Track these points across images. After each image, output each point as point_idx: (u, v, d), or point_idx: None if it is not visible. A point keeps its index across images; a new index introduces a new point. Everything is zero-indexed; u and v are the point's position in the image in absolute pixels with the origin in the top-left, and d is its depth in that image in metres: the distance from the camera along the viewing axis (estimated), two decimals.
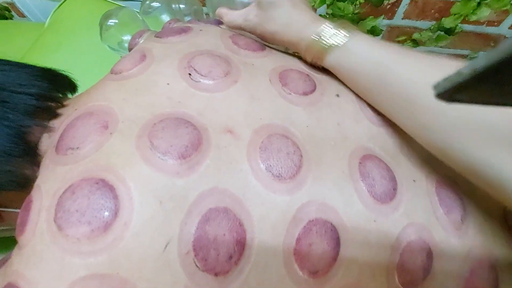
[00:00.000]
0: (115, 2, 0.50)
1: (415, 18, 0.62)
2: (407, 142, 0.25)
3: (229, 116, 0.21)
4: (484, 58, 0.07)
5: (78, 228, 0.15)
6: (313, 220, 0.19)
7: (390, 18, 0.63)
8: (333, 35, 0.25)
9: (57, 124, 0.22)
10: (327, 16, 0.63)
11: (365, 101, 0.26)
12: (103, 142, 0.18)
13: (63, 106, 0.23)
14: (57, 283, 0.15)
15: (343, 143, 0.23)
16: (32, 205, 0.17)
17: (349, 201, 0.20)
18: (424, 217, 0.21)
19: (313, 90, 0.25)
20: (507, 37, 0.63)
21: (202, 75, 0.23)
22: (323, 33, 0.25)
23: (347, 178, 0.21)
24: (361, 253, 0.20)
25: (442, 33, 0.65)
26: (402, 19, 0.63)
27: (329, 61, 0.26)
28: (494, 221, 0.23)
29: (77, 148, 0.18)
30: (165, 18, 0.43)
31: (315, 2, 0.61)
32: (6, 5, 0.71)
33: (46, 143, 0.22)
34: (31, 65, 0.25)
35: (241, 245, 0.17)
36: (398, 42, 0.69)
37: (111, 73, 0.24)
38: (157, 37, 0.27)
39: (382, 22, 0.64)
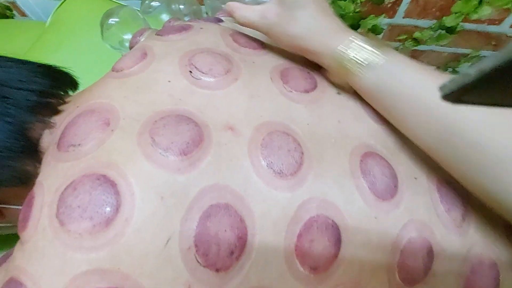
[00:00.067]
0: (116, 1, 0.50)
1: (416, 16, 0.62)
2: (408, 140, 0.25)
3: (230, 113, 0.21)
4: (491, 59, 0.07)
5: (80, 224, 0.16)
6: (314, 217, 0.19)
7: (391, 16, 0.63)
8: (363, 50, 0.22)
9: (59, 121, 0.22)
10: None
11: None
12: (105, 139, 0.18)
13: (64, 102, 0.24)
14: (59, 278, 0.15)
15: (344, 140, 0.23)
16: (34, 201, 0.18)
17: (350, 198, 0.20)
18: (425, 214, 0.21)
19: (314, 88, 0.25)
20: (508, 36, 0.63)
21: (203, 73, 0.23)
22: (352, 47, 0.22)
23: (348, 175, 0.21)
24: (362, 249, 0.20)
25: (443, 31, 0.65)
26: (403, 17, 0.63)
27: (360, 81, 0.23)
28: (495, 219, 0.23)
29: (79, 145, 0.18)
30: (165, 17, 0.43)
31: None
32: (8, 4, 0.71)
33: (48, 139, 0.22)
34: (33, 62, 0.25)
35: (242, 241, 0.17)
36: (399, 41, 0.68)
37: (113, 71, 0.24)
38: (158, 35, 0.27)
39: (383, 21, 0.64)
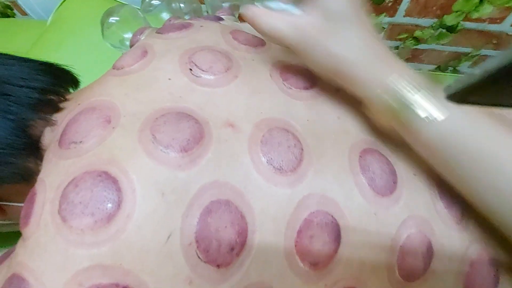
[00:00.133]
0: (116, 0, 0.51)
1: (417, 15, 0.62)
2: None
3: (230, 110, 0.21)
4: (496, 59, 0.07)
5: (81, 220, 0.16)
6: (314, 213, 0.19)
7: (392, 15, 0.63)
8: (421, 94, 0.18)
9: (60, 118, 0.22)
10: None
11: None
12: (106, 136, 0.18)
13: (65, 100, 0.24)
14: (61, 273, 0.15)
15: (343, 137, 0.23)
16: (36, 198, 0.18)
17: (350, 194, 0.20)
18: (424, 210, 0.22)
19: (314, 85, 0.25)
20: (509, 34, 0.63)
21: (203, 71, 0.23)
22: (406, 87, 0.18)
23: (347, 172, 0.21)
24: (362, 245, 0.20)
25: (444, 30, 0.65)
26: (404, 16, 0.63)
27: (414, 132, 0.19)
28: None
29: (80, 142, 0.19)
30: (165, 16, 0.43)
31: None
32: (9, 3, 0.71)
33: (49, 137, 0.22)
34: (34, 60, 0.25)
35: (242, 237, 0.18)
36: (400, 40, 0.68)
37: (113, 69, 0.24)
38: (158, 33, 0.27)
39: (383, 19, 0.64)
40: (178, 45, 0.25)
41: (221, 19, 0.35)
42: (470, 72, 0.08)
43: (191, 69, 0.23)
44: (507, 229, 0.19)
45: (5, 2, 0.71)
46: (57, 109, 0.23)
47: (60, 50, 0.46)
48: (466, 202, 0.23)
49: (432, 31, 0.65)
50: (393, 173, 0.22)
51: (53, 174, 0.18)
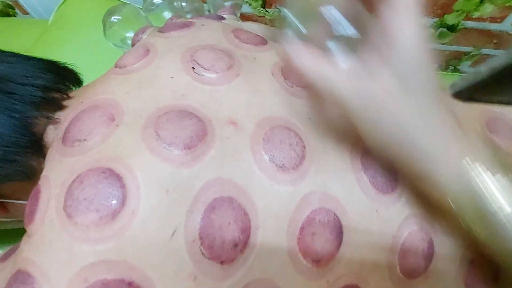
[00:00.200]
0: None
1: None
2: None
3: (232, 108, 0.22)
4: (501, 58, 0.07)
5: (86, 216, 0.16)
6: (316, 210, 0.19)
7: None
8: (495, 186, 0.15)
9: (63, 116, 0.22)
10: None
11: None
12: (110, 133, 0.18)
13: (68, 98, 0.24)
14: (66, 269, 0.15)
15: (345, 135, 0.23)
16: (40, 195, 0.18)
17: (351, 192, 0.20)
18: (425, 207, 0.22)
19: None
20: (510, 34, 0.63)
21: (205, 69, 0.23)
22: (483, 178, 0.15)
23: (349, 169, 0.21)
24: (363, 243, 0.20)
25: (445, 30, 0.65)
26: None
27: (483, 222, 0.16)
28: None
29: (84, 140, 0.19)
30: (167, 15, 0.43)
31: None
32: (10, 3, 0.72)
33: (52, 134, 0.22)
34: (37, 58, 0.25)
35: (246, 234, 0.18)
36: None
37: (116, 67, 0.24)
38: (160, 32, 0.28)
39: None
40: (180, 43, 0.25)
41: (223, 18, 0.35)
42: (476, 70, 0.08)
43: (193, 68, 0.23)
44: None
45: (7, 1, 0.71)
46: (60, 107, 0.23)
47: (62, 49, 0.46)
48: None
49: (433, 30, 0.65)
50: (394, 171, 0.22)
51: (57, 171, 0.18)
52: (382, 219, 0.21)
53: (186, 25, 0.27)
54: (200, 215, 0.17)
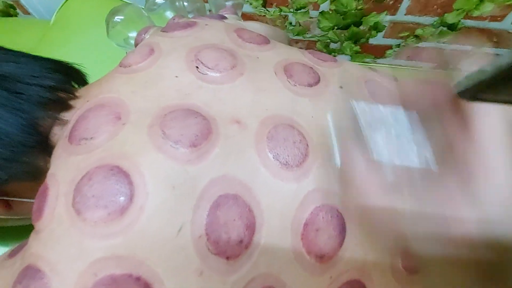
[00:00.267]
0: None
1: (418, 14, 0.62)
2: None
3: (236, 107, 0.22)
4: (507, 56, 0.07)
5: (95, 212, 0.16)
6: (319, 207, 0.19)
7: (393, 14, 0.63)
8: None
9: (69, 116, 0.23)
10: (330, 12, 0.64)
11: (368, 91, 0.26)
12: (117, 132, 0.19)
13: (75, 97, 0.24)
14: (76, 264, 0.16)
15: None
16: (48, 192, 0.18)
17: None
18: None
19: (317, 82, 0.25)
20: (510, 32, 0.63)
21: (209, 68, 0.23)
22: None
23: None
24: (366, 238, 0.20)
25: (445, 28, 0.65)
26: (405, 15, 0.63)
27: None
28: None
29: (91, 138, 0.19)
30: (169, 15, 0.43)
31: None
32: (11, 3, 0.72)
33: (58, 134, 0.23)
34: (45, 58, 0.25)
35: (251, 230, 0.18)
36: (401, 38, 0.69)
37: (120, 66, 0.24)
38: (163, 31, 0.28)
39: (385, 18, 0.64)
40: (184, 43, 0.25)
41: (225, 17, 0.35)
42: (481, 69, 0.07)
43: (197, 67, 0.23)
44: None
45: (8, 2, 0.72)
46: (67, 107, 0.23)
47: (64, 48, 0.46)
48: None
49: (433, 29, 0.65)
50: None
51: (65, 169, 0.19)
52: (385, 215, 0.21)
53: (190, 25, 0.27)
54: (206, 212, 0.17)
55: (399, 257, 0.21)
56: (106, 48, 0.45)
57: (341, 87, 0.26)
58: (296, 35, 0.72)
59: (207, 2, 0.49)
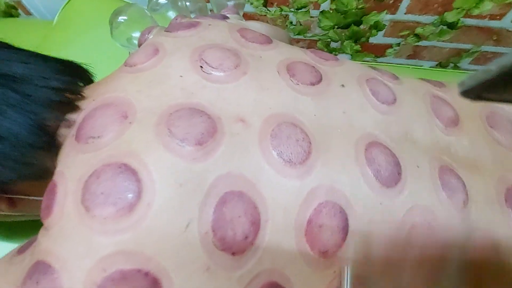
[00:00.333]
0: None
1: (418, 12, 0.63)
2: (410, 129, 0.26)
3: (240, 106, 0.22)
4: (511, 56, 0.07)
5: (104, 209, 0.17)
6: (323, 203, 0.20)
7: (393, 13, 0.63)
8: None
9: (76, 117, 0.23)
10: (331, 11, 0.64)
11: (369, 89, 0.26)
12: (123, 130, 0.19)
13: (82, 98, 0.24)
14: (85, 259, 0.16)
15: (349, 130, 0.24)
16: (57, 189, 0.19)
17: (357, 185, 0.21)
18: (427, 200, 0.22)
19: (320, 81, 0.26)
20: (509, 31, 0.63)
21: (213, 68, 0.24)
22: None
23: (353, 164, 0.22)
24: (369, 234, 0.21)
25: (445, 27, 0.65)
26: (405, 13, 0.63)
27: None
28: (495, 204, 0.24)
29: (99, 136, 0.19)
30: (172, 15, 0.44)
31: None
32: (13, 3, 0.72)
33: (64, 133, 0.23)
34: (53, 58, 0.25)
35: (256, 227, 0.18)
36: (401, 37, 0.69)
37: (125, 66, 0.25)
38: (167, 31, 0.28)
39: (385, 17, 0.64)
40: (188, 43, 0.26)
41: (227, 17, 0.36)
42: (485, 68, 0.07)
43: (201, 66, 0.24)
44: None
45: (10, 2, 0.72)
46: (75, 108, 0.23)
47: (67, 49, 0.47)
48: (467, 192, 0.24)
49: (433, 28, 0.66)
50: (397, 164, 0.23)
51: (73, 167, 0.19)
52: (386, 211, 0.21)
53: (193, 24, 0.28)
54: (212, 209, 0.18)
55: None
56: (108, 48, 0.45)
57: (343, 85, 0.27)
58: (297, 34, 0.72)
59: (208, 2, 0.49)
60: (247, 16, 0.68)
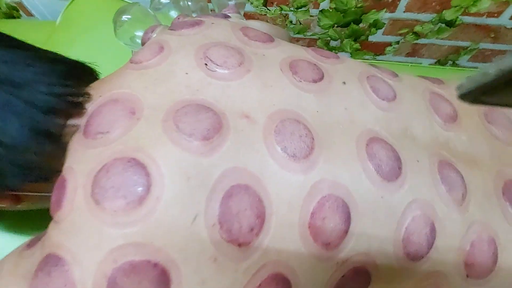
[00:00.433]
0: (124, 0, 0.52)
1: (417, 11, 0.63)
2: (410, 125, 0.26)
3: (244, 102, 0.23)
4: (511, 58, 0.07)
5: (114, 202, 0.17)
6: (325, 196, 0.20)
7: (392, 11, 0.64)
8: None
9: (80, 121, 0.22)
10: (330, 10, 0.65)
11: (370, 86, 0.27)
12: (131, 126, 0.20)
13: (87, 101, 0.23)
14: (96, 251, 0.17)
15: (350, 126, 0.24)
16: (67, 184, 0.19)
17: (358, 180, 0.22)
18: (427, 194, 0.23)
19: (321, 78, 0.26)
20: (507, 28, 0.64)
21: (218, 65, 0.24)
22: None
23: (355, 159, 0.22)
24: (370, 226, 0.21)
25: (443, 25, 0.66)
26: (404, 12, 0.64)
27: None
28: (492, 197, 0.24)
29: (107, 132, 0.20)
30: (174, 14, 0.44)
31: None
32: (14, 5, 0.72)
33: (71, 131, 0.23)
34: (59, 59, 0.25)
35: (261, 219, 0.19)
36: (400, 35, 0.69)
37: (131, 63, 0.25)
38: (171, 30, 0.29)
39: (384, 15, 0.65)
40: (192, 41, 0.26)
41: (228, 16, 0.36)
42: (484, 72, 0.07)
43: (206, 64, 0.24)
44: None
45: (11, 4, 0.72)
46: (80, 113, 0.23)
47: (71, 48, 0.47)
48: (466, 186, 0.24)
49: (431, 26, 0.66)
50: (398, 159, 0.23)
51: (82, 162, 0.19)
52: (387, 204, 0.22)
53: (197, 23, 0.28)
54: (219, 202, 0.18)
55: (401, 245, 0.22)
56: (112, 48, 0.46)
57: (344, 82, 0.27)
58: (296, 33, 0.72)
59: (210, 2, 0.50)
60: (247, 16, 0.68)
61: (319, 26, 0.70)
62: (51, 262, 0.17)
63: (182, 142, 0.19)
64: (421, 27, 0.67)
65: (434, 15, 0.64)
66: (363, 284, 0.22)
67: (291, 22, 0.70)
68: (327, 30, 0.71)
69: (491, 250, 0.23)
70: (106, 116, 0.21)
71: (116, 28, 0.36)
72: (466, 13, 0.62)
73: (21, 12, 0.75)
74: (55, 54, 0.26)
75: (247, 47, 0.27)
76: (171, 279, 0.17)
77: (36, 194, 0.25)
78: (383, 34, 0.70)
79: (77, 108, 0.23)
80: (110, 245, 0.17)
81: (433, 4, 0.61)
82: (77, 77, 0.25)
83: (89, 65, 0.28)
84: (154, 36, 0.32)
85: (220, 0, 0.43)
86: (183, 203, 0.18)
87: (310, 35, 0.73)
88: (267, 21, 0.68)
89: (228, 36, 0.27)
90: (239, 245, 0.18)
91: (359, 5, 0.63)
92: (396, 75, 0.31)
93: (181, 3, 0.40)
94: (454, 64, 0.76)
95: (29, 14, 0.74)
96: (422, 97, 0.29)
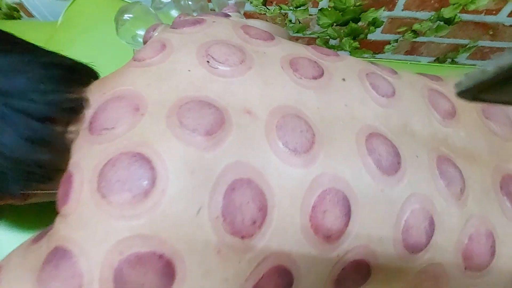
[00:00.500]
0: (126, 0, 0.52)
1: (415, 9, 0.64)
2: (409, 122, 0.27)
3: (246, 99, 0.23)
4: (509, 56, 0.07)
5: (120, 195, 0.17)
6: (326, 190, 0.21)
7: (391, 9, 0.64)
8: None
9: (78, 126, 0.22)
10: (329, 9, 0.65)
11: (369, 83, 0.27)
12: (136, 122, 0.20)
13: (87, 105, 0.23)
14: (103, 243, 0.17)
15: (350, 122, 0.25)
16: (73, 179, 0.19)
17: (358, 174, 0.22)
18: (426, 189, 0.23)
19: (321, 75, 0.27)
20: (505, 25, 0.64)
21: (220, 62, 0.24)
22: None
23: (355, 154, 0.23)
24: (370, 219, 0.22)
25: (442, 23, 0.66)
26: (403, 10, 0.64)
27: None
28: (490, 192, 0.25)
29: (112, 128, 0.20)
30: (174, 13, 0.44)
31: None
32: (15, 6, 0.73)
33: (74, 129, 0.23)
34: (57, 61, 0.25)
35: (263, 212, 0.19)
36: (399, 33, 0.70)
37: (134, 61, 0.25)
38: (172, 28, 0.29)
39: (382, 13, 0.65)
40: (194, 39, 0.27)
41: (228, 15, 0.37)
42: (483, 69, 0.07)
43: (208, 61, 0.24)
44: None
45: (11, 4, 0.73)
46: (79, 118, 0.23)
47: (72, 48, 0.48)
48: (464, 181, 0.25)
49: (430, 23, 0.67)
50: (397, 154, 0.24)
51: (88, 157, 0.20)
52: (386, 198, 0.22)
53: (198, 21, 0.29)
54: (222, 195, 0.19)
55: (401, 238, 0.22)
56: (113, 48, 0.46)
57: (344, 79, 0.27)
58: (296, 32, 0.73)
59: (210, 1, 0.50)
60: (247, 15, 0.68)
61: (318, 25, 0.70)
62: (59, 254, 0.18)
63: (185, 137, 0.19)
64: (419, 25, 0.67)
65: (433, 13, 0.64)
66: (363, 277, 0.22)
67: (290, 21, 0.70)
68: (326, 29, 0.71)
69: (489, 244, 0.24)
70: (111, 112, 0.21)
71: (118, 27, 0.36)
72: (464, 10, 0.63)
73: (21, 13, 0.75)
74: (53, 56, 0.25)
75: (248, 45, 0.27)
76: (175, 271, 0.17)
77: (43, 192, 0.25)
78: (382, 32, 0.70)
79: (75, 114, 0.23)
80: (116, 237, 0.17)
81: (432, 2, 0.62)
82: (74, 80, 0.25)
83: (89, 65, 0.28)
84: (155, 34, 0.33)
85: (220, 1, 0.44)
86: (187, 196, 0.18)
87: (309, 34, 0.73)
88: (266, 20, 0.68)
89: (230, 34, 0.28)
90: (242, 237, 0.19)
91: (357, 3, 0.64)
92: (396, 73, 0.31)
93: (182, 2, 0.41)
94: (453, 62, 0.77)
95: (30, 14, 0.74)
96: (421, 94, 0.29)
